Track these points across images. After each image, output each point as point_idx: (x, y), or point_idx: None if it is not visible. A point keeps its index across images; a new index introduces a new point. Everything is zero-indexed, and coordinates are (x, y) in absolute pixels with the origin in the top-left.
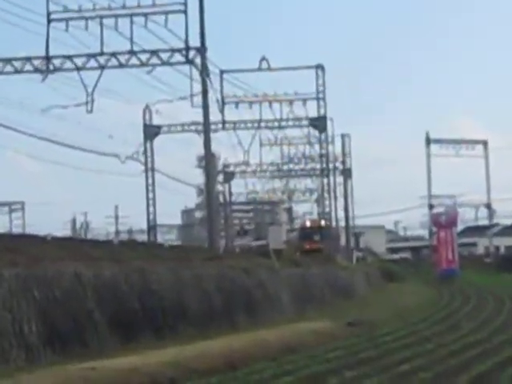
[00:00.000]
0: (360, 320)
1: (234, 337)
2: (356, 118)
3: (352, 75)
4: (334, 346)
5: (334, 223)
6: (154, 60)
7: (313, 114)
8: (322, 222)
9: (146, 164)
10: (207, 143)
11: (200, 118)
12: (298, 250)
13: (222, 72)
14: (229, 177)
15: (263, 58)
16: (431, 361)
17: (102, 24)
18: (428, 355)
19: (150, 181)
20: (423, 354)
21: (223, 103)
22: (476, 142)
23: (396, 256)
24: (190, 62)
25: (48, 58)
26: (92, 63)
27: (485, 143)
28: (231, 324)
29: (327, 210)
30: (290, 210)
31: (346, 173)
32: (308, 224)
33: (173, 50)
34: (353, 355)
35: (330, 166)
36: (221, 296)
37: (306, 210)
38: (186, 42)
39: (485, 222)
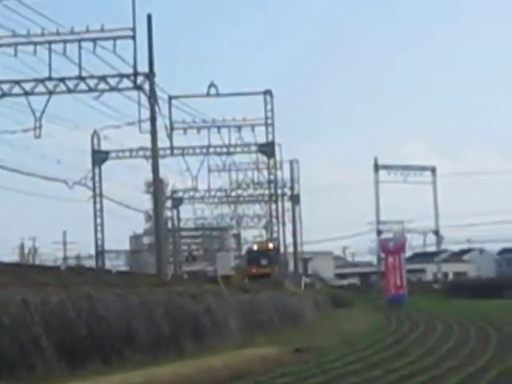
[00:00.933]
0: (308, 346)
1: (182, 363)
2: (305, 143)
3: (300, 100)
4: (282, 372)
5: (282, 249)
6: (103, 85)
7: (261, 139)
8: (270, 245)
9: (94, 190)
10: (155, 169)
11: (148, 144)
12: (246, 274)
13: (170, 98)
14: (177, 202)
15: (212, 84)
16: None
17: (50, 49)
18: (376, 381)
19: (98, 206)
20: (371, 380)
21: (171, 129)
22: (424, 168)
23: (344, 282)
24: (138, 87)
25: None
26: (40, 88)
27: (433, 169)
28: (179, 350)
29: (275, 235)
30: (238, 236)
31: (295, 199)
32: (255, 247)
33: (121, 76)
34: (300, 381)
35: (279, 191)
36: (168, 322)
37: (254, 236)
38: (135, 67)
39: (433, 249)
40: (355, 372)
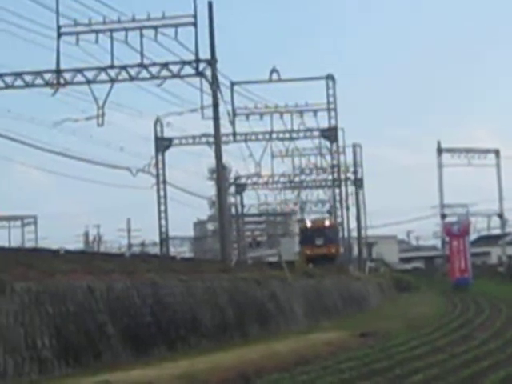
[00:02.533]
0: (373, 331)
1: (247, 349)
2: (368, 127)
3: (363, 84)
4: (347, 356)
5: (346, 234)
6: (165, 73)
7: (324, 124)
8: (326, 222)
9: (157, 177)
10: (218, 155)
11: (211, 130)
12: (302, 257)
13: (232, 84)
14: (241, 188)
15: (273, 70)
16: (444, 371)
17: (112, 37)
18: (441, 365)
19: (161, 193)
20: (436, 365)
21: (234, 115)
22: (488, 151)
23: (409, 266)
24: (200, 74)
25: (59, 72)
26: (102, 76)
27: (497, 152)
28: (243, 336)
29: (339, 220)
30: (302, 221)
31: (358, 183)
32: (308, 224)
33: (183, 63)
34: (366, 366)
35: (342, 176)
36: (233, 308)
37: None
38: (196, 54)
39: (497, 231)
40: (420, 356)
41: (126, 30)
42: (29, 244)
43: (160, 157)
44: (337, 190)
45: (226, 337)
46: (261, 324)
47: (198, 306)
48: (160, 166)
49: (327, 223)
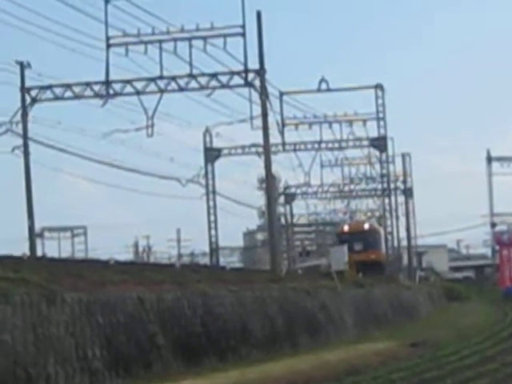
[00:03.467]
0: (423, 340)
1: (297, 359)
2: (417, 136)
3: (412, 94)
4: (397, 366)
5: (395, 243)
6: (214, 83)
7: (373, 133)
8: (366, 226)
9: (207, 187)
10: (268, 165)
11: (260, 140)
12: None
13: (281, 94)
14: (290, 198)
15: (322, 79)
16: (495, 381)
17: (161, 48)
18: (492, 375)
19: (211, 203)
20: (487, 374)
21: (283, 125)
22: None
23: (459, 275)
24: (249, 84)
25: (108, 83)
26: (152, 87)
27: None
28: (294, 346)
29: (389, 229)
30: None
31: (408, 192)
32: (345, 228)
33: (232, 73)
34: (416, 376)
35: (391, 185)
36: (283, 318)
37: None
38: (245, 64)
39: None
40: (470, 366)
41: (175, 40)
42: (79, 255)
43: (209, 167)
44: (386, 200)
45: (275, 347)
46: (311, 334)
47: (248, 316)
48: (209, 176)
49: (366, 227)
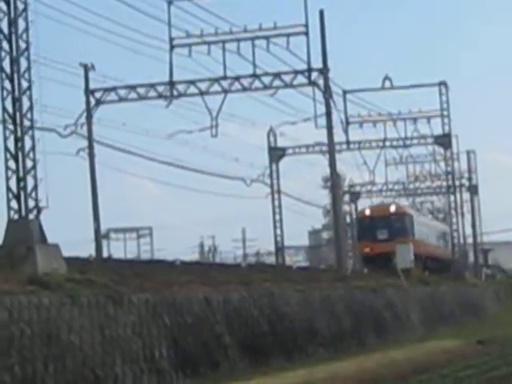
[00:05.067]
0: (490, 338)
1: (364, 357)
2: (482, 133)
3: (477, 90)
4: (465, 364)
5: (461, 240)
6: (277, 82)
7: (437, 131)
8: (392, 208)
9: (271, 186)
10: (332, 164)
11: (324, 139)
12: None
13: (344, 92)
14: (355, 197)
15: (386, 77)
16: None
17: (224, 48)
18: None
19: (276, 203)
20: None
21: (347, 123)
22: None
23: None
24: (312, 83)
25: (172, 84)
26: (215, 87)
27: None
28: (361, 345)
29: (455, 227)
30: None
31: (473, 189)
32: (367, 212)
33: (295, 72)
34: (484, 373)
35: (456, 183)
36: (350, 317)
37: None
38: (309, 63)
39: None
40: None
41: (238, 40)
42: (144, 256)
43: (274, 166)
44: (451, 197)
45: (342, 346)
46: (377, 332)
47: (315, 315)
48: (274, 175)
49: (393, 209)
